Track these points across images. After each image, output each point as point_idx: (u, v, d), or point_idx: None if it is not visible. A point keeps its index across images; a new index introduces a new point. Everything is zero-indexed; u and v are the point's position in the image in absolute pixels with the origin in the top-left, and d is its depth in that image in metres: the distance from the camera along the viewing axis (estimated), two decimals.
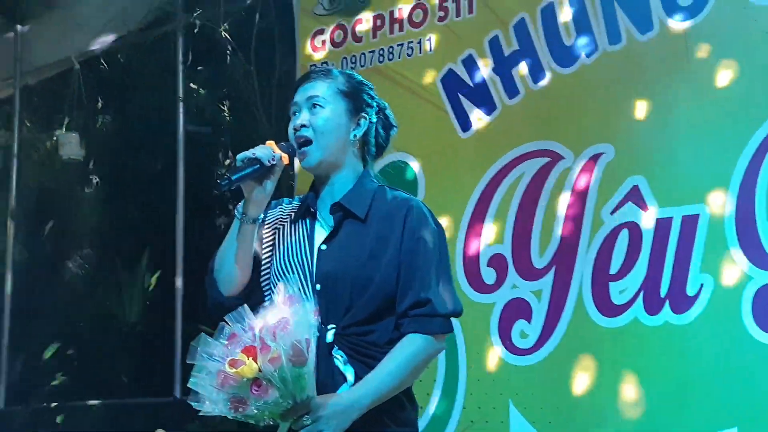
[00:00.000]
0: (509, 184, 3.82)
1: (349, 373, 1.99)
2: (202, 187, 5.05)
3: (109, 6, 5.43)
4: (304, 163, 2.11)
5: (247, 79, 4.71)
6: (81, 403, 5.11)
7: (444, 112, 4.01)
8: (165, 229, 5.00)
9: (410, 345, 2.01)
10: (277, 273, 2.10)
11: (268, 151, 2.05)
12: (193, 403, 1.87)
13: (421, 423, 3.85)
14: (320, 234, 2.11)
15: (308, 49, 4.44)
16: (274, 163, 2.04)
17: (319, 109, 2.10)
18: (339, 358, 2.00)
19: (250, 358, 1.81)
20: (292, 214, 2.18)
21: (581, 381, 3.52)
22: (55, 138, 5.68)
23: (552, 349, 3.60)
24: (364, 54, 4.27)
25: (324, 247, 2.08)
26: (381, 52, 4.22)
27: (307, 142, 2.09)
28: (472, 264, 3.86)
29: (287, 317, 1.86)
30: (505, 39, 3.90)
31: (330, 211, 2.12)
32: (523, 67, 3.84)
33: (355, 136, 2.13)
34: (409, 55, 4.15)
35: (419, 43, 4.12)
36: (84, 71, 5.53)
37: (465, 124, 3.97)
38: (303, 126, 2.09)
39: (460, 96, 3.99)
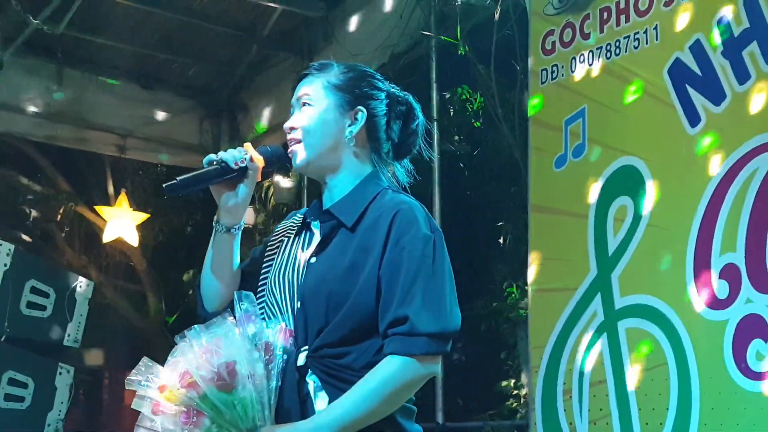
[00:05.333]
0: (741, 183, 3.51)
1: (321, 401, 1.88)
2: (458, 208, 5.20)
3: (376, 34, 5.84)
4: (294, 164, 2.04)
5: (489, 92, 4.81)
6: None
7: (671, 108, 3.78)
8: None
9: (385, 368, 1.83)
10: (268, 289, 2.01)
11: (239, 152, 1.99)
12: None
13: None
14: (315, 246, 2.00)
15: (539, 53, 4.45)
16: (243, 165, 1.97)
17: (307, 108, 2.02)
18: (311, 384, 1.89)
19: (177, 383, 1.76)
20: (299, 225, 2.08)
21: None
22: None
23: None
24: (592, 51, 4.17)
25: (313, 260, 1.97)
26: (608, 47, 4.09)
27: (299, 143, 2.02)
28: (703, 276, 3.58)
29: (220, 339, 1.80)
30: (734, 17, 3.62)
31: (320, 219, 2.02)
32: (754, 48, 3.54)
33: (351, 132, 2.00)
34: (635, 48, 3.98)
35: (645, 33, 3.94)
36: None
37: (693, 118, 3.71)
38: (292, 128, 2.04)
39: (688, 87, 3.76)
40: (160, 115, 7.19)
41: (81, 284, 4.53)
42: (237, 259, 2.09)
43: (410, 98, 2.14)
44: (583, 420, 3.98)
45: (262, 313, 1.98)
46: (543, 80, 4.38)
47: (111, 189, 7.48)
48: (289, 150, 2.05)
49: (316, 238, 2.02)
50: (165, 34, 6.48)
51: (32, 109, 6.52)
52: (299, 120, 2.04)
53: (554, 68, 4.34)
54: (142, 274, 7.81)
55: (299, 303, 1.94)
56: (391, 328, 1.86)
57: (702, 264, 3.60)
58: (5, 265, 4.22)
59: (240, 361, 1.78)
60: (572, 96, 4.23)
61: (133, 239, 6.99)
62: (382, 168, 2.06)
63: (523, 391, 4.46)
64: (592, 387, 3.95)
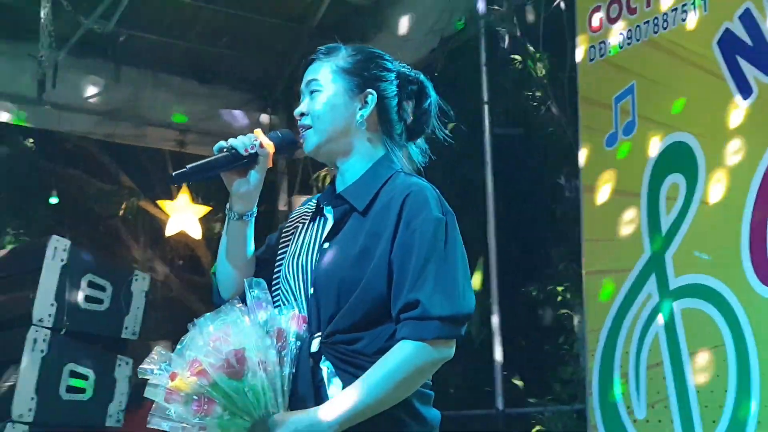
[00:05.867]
0: None
1: (335, 387, 1.86)
2: (512, 191, 5.13)
3: (426, 18, 5.80)
4: (304, 148, 2.03)
5: (538, 72, 4.73)
6: None
7: (722, 80, 3.67)
8: (476, 236, 5.15)
9: (397, 354, 1.81)
10: (283, 276, 2.00)
11: (249, 139, 1.98)
12: (155, 423, 1.80)
13: None
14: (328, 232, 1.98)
15: (587, 30, 4.35)
16: (253, 152, 1.96)
17: (317, 94, 2.00)
18: (325, 370, 1.87)
19: (187, 371, 1.75)
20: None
21: None
22: None
23: None
24: (639, 27, 4.06)
25: (326, 245, 1.95)
26: (655, 21, 3.98)
27: (309, 129, 2.00)
28: (759, 252, 3.48)
29: (229, 326, 1.79)
30: None
31: (332, 204, 2.00)
32: None
33: (362, 116, 1.98)
34: (683, 20, 3.87)
35: (693, 4, 3.82)
36: None
37: (745, 90, 3.59)
38: (302, 114, 2.02)
39: (739, 58, 3.64)
40: (218, 109, 7.23)
41: (137, 277, 4.59)
42: (251, 247, 2.07)
43: (421, 77, 2.09)
44: (641, 403, 3.90)
45: (276, 300, 1.97)
46: (591, 57, 4.29)
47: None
48: (300, 136, 2.04)
49: (330, 224, 2.00)
50: (217, 28, 6.51)
51: (92, 107, 6.62)
52: (308, 106, 2.02)
53: (601, 45, 4.24)
54: (208, 266, 7.89)
55: (312, 289, 1.93)
56: (402, 312, 1.83)
57: (758, 240, 3.49)
58: (62, 260, 4.33)
59: (249, 348, 1.76)
60: (621, 72, 4.14)
61: (196, 232, 7.06)
62: (395, 150, 2.03)
63: (582, 376, 4.38)
64: (649, 370, 3.87)
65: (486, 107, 5.20)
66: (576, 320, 4.54)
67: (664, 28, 3.95)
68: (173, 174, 1.97)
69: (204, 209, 7.15)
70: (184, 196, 7.03)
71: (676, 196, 3.82)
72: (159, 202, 7.19)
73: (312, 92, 2.02)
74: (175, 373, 1.79)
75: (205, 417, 1.76)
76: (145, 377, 1.85)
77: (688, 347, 3.72)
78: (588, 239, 4.25)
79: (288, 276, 1.99)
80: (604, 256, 4.17)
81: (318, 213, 2.05)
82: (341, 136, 2.00)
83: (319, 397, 1.85)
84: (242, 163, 1.99)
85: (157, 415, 1.81)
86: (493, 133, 5.19)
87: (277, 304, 1.96)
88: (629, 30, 4.11)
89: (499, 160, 5.13)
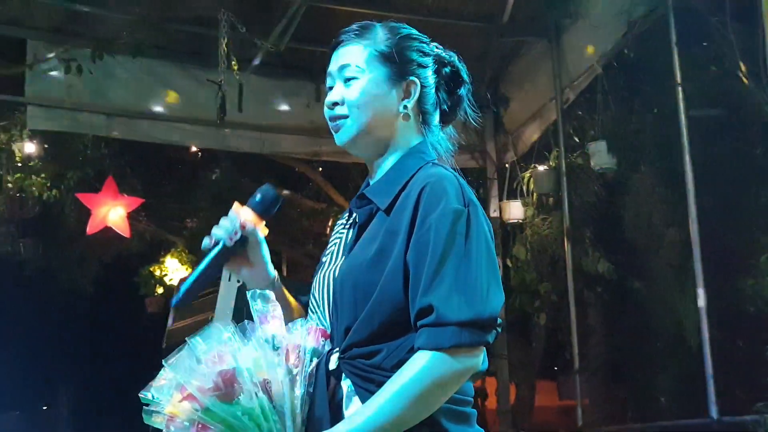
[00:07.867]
0: None
1: (354, 407, 1.67)
2: (714, 176, 4.78)
3: (613, 4, 5.57)
4: (337, 138, 1.85)
5: (731, 48, 4.38)
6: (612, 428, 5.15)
7: None
8: (680, 225, 4.85)
9: (412, 366, 1.61)
10: (312, 290, 1.83)
11: (231, 223, 1.81)
12: None
13: None
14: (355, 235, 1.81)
15: None
16: (238, 237, 1.80)
17: (354, 81, 1.80)
18: (345, 389, 1.70)
19: (178, 395, 1.62)
20: None
21: None
22: (587, 149, 5.93)
23: None
24: None
25: (353, 251, 1.78)
26: None
27: (344, 119, 1.82)
28: None
29: (218, 346, 1.65)
30: None
31: (357, 204, 1.82)
32: None
33: (405, 108, 1.81)
34: None
35: None
36: (607, 73, 5.72)
37: None
38: (335, 104, 1.82)
39: None
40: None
41: None
42: (293, 301, 1.94)
43: (455, 59, 1.90)
44: None
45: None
46: None
47: None
48: (332, 127, 1.86)
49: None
50: None
51: (295, 127, 6.87)
52: (344, 93, 1.82)
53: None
54: None
55: (332, 299, 1.77)
56: (419, 319, 1.63)
57: None
58: (239, 281, 4.44)
59: (243, 368, 1.62)
60: None
61: None
62: (432, 140, 1.86)
63: None
64: None
65: (680, 88, 4.90)
66: None
67: None
68: (173, 304, 1.85)
69: None
70: None
71: None
72: None
73: (347, 79, 1.82)
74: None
75: None
76: (146, 402, 1.69)
77: None
78: None
79: (314, 288, 1.83)
80: None
81: (351, 217, 1.87)
82: (380, 129, 1.82)
83: (337, 419, 1.66)
84: (234, 252, 1.84)
85: None
86: (689, 116, 4.88)
87: (309, 319, 1.83)
88: None
89: (699, 144, 4.80)
